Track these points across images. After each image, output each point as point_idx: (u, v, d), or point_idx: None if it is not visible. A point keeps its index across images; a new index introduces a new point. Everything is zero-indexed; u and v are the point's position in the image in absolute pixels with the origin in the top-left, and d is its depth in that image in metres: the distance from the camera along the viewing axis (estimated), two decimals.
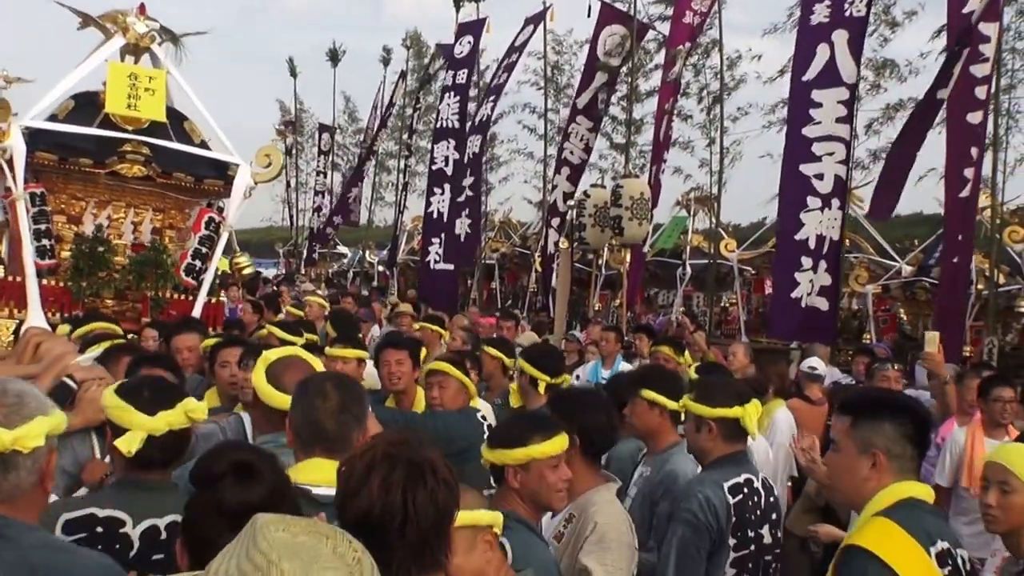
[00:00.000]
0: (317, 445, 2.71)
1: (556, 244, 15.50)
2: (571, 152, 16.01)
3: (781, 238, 10.34)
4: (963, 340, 10.29)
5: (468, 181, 14.68)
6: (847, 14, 9.80)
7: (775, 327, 10.71)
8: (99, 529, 2.57)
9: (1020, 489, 3.06)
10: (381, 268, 27.84)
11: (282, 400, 3.01)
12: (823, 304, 9.54)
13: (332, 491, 2.09)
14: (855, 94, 9.81)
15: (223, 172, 8.22)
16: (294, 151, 35.81)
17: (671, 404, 4.10)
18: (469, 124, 16.32)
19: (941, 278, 10.49)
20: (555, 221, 15.70)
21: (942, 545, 2.61)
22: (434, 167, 17.65)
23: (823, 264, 9.49)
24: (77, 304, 7.61)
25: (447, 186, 17.15)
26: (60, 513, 2.57)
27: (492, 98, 15.29)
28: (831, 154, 9.59)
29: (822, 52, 9.72)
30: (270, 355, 3.31)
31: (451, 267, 16.67)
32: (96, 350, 4.28)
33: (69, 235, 7.93)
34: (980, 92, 9.43)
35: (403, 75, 27.22)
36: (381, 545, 1.78)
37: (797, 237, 9.72)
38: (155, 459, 2.65)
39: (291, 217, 36.92)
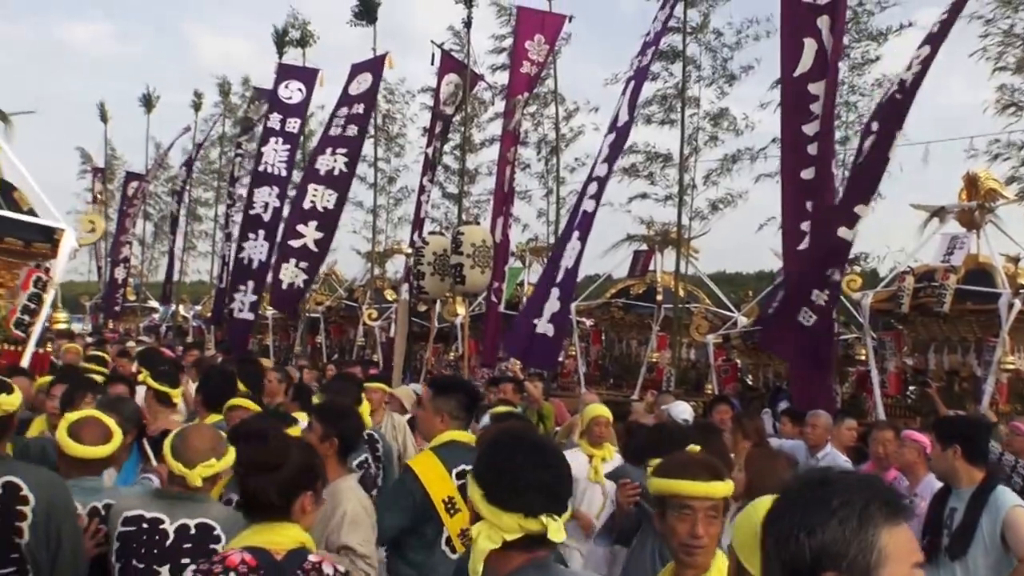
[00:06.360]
0: None
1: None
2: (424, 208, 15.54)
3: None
4: (832, 388, 10.13)
5: (316, 235, 13.86)
6: (635, 65, 10.91)
7: (505, 346, 11.72)
8: None
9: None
10: (196, 323, 26.35)
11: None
12: (550, 331, 10.19)
13: None
14: (621, 138, 10.64)
15: (50, 236, 9.46)
16: (103, 200, 33.81)
17: None
18: (305, 173, 15.61)
19: None
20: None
21: (463, 467, 4.12)
22: (251, 212, 16.79)
23: (556, 292, 10.23)
24: None
25: (262, 232, 16.42)
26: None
27: (344, 151, 14.56)
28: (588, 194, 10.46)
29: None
30: None
31: (251, 317, 16.64)
32: None
33: None
34: (812, 149, 9.43)
35: (223, 114, 26.13)
36: None
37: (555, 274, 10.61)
38: None
39: (99, 269, 34.38)
